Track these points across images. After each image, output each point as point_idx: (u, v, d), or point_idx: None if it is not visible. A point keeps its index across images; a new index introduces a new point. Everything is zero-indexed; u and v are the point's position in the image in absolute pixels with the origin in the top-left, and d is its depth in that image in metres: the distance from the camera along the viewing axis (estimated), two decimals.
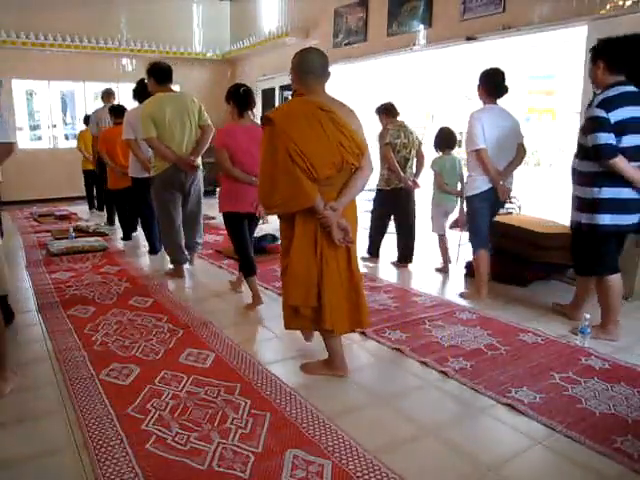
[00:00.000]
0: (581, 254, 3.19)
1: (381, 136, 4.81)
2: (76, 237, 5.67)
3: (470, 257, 4.53)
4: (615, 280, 3.09)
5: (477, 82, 3.75)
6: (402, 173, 4.67)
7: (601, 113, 2.82)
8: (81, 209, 8.27)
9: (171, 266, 4.54)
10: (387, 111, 4.84)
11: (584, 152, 2.98)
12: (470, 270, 4.42)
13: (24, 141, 9.58)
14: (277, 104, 9.10)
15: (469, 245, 4.43)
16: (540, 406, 2.33)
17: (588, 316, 3.12)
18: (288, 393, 2.43)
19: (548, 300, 3.80)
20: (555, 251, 4.09)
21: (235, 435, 2.09)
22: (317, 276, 2.45)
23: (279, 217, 2.64)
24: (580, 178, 3.03)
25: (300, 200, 2.36)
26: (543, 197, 8.09)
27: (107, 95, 6.92)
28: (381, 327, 3.26)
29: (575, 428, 2.16)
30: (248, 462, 1.92)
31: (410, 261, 4.90)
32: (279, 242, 5.53)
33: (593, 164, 2.92)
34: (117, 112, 5.87)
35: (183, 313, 3.53)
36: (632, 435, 2.11)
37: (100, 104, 7.08)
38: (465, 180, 3.97)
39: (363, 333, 3.18)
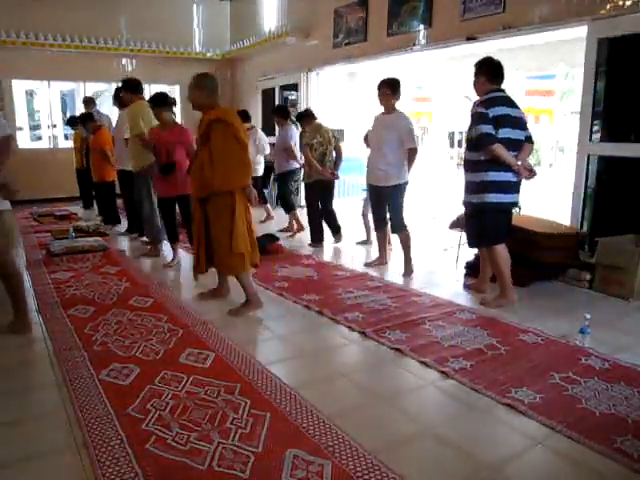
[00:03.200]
0: (473, 230, 3.78)
1: (300, 138, 5.78)
2: (76, 237, 5.68)
3: (470, 257, 4.55)
4: (501, 249, 3.63)
5: (387, 91, 4.41)
6: (319, 167, 5.42)
7: (481, 109, 3.48)
8: (81, 209, 8.29)
9: (148, 247, 5.34)
10: (305, 117, 5.72)
11: (472, 144, 3.56)
12: (470, 269, 4.43)
13: (24, 141, 9.59)
14: (277, 104, 9.10)
15: (467, 245, 4.45)
16: (540, 406, 2.33)
17: (588, 316, 3.12)
18: (288, 393, 2.43)
19: (548, 300, 3.81)
20: (556, 251, 4.09)
21: (235, 435, 2.09)
22: (248, 231, 3.48)
23: (205, 198, 3.41)
24: (470, 166, 3.62)
25: (247, 177, 3.38)
26: (543, 197, 8.09)
27: (92, 102, 7.69)
28: (381, 327, 3.26)
29: (575, 428, 2.16)
30: (248, 462, 1.92)
31: (339, 240, 5.76)
32: (279, 242, 5.72)
33: (479, 154, 3.51)
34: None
35: (183, 313, 3.53)
36: (632, 435, 2.11)
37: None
38: (391, 171, 4.46)
39: (363, 333, 3.19)
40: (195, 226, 3.59)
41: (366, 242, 5.66)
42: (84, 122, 6.93)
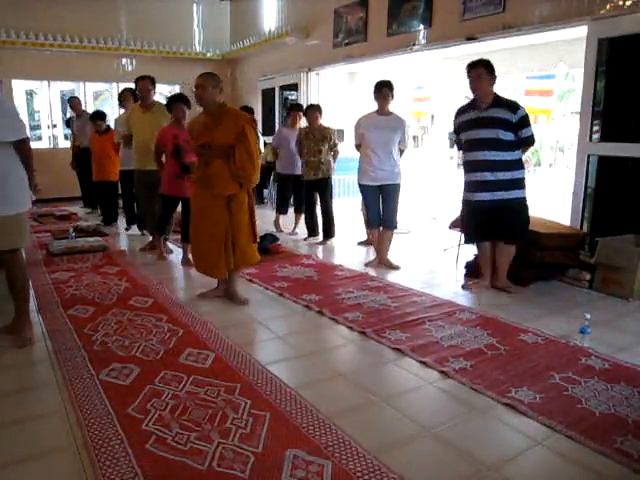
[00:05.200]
0: (520, 224, 3.87)
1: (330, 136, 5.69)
2: (76, 237, 5.67)
3: (470, 257, 4.55)
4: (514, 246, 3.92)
5: (389, 93, 4.55)
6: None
7: (525, 112, 3.71)
8: (81, 209, 8.29)
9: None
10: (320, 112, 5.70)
11: (512, 144, 3.70)
12: (470, 270, 4.43)
13: None
14: (277, 104, 9.11)
15: (467, 245, 4.44)
16: (540, 406, 2.33)
17: (588, 316, 3.13)
18: (288, 393, 2.43)
19: (548, 300, 3.80)
20: (556, 251, 4.09)
21: (235, 435, 2.09)
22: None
23: (233, 192, 3.53)
24: (508, 165, 3.72)
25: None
26: (543, 197, 8.09)
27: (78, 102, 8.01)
28: (381, 327, 3.26)
29: (575, 428, 2.16)
30: (248, 462, 1.92)
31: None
32: (279, 242, 5.72)
33: (516, 152, 3.74)
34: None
35: (183, 313, 3.53)
36: (632, 435, 2.11)
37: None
38: (397, 169, 4.68)
39: (363, 333, 3.19)
40: (222, 226, 3.54)
41: (367, 242, 5.68)
42: (98, 120, 6.67)
